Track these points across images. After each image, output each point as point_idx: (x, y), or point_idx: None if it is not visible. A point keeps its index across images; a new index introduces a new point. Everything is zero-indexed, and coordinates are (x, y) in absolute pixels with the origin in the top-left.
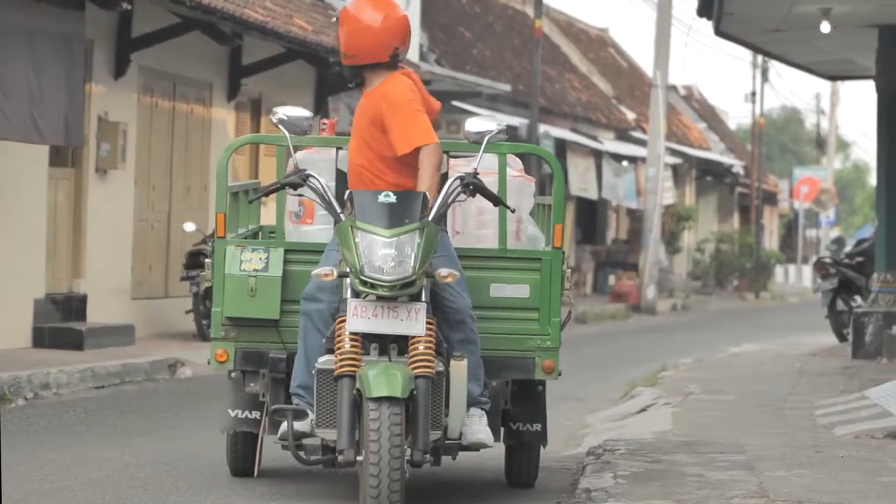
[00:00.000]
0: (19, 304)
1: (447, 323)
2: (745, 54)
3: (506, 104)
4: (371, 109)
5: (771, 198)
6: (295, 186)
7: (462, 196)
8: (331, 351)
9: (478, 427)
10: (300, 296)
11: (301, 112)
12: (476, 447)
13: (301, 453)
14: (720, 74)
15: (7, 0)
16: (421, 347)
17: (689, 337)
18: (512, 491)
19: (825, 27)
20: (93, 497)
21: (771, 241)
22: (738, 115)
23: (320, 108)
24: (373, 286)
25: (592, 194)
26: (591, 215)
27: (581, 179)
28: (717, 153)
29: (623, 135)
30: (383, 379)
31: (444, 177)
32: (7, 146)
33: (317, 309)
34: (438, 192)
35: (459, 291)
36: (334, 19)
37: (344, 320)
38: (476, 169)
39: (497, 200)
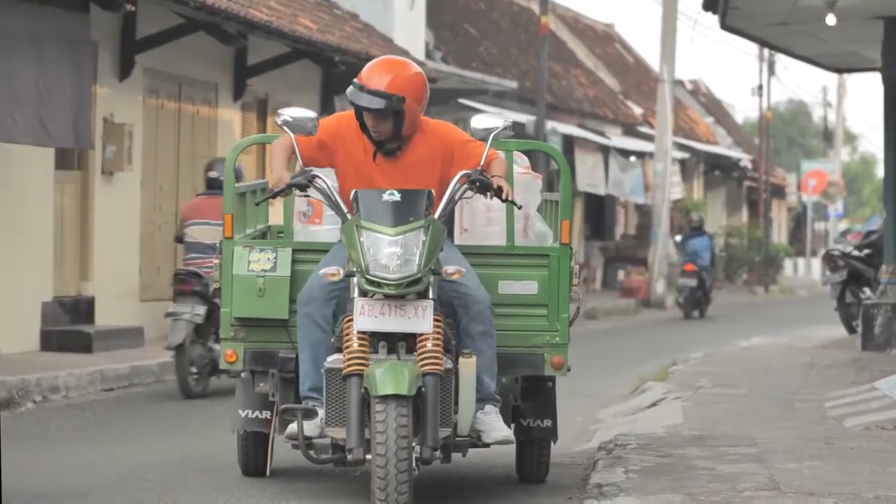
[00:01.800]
0: (27, 307)
1: (468, 315)
2: (752, 48)
3: (512, 101)
4: (420, 159)
5: (779, 191)
6: (301, 188)
7: (469, 193)
8: (339, 350)
9: (498, 424)
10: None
11: (306, 113)
12: (499, 444)
13: (311, 452)
14: (727, 68)
15: (12, 4)
16: (429, 345)
17: (698, 331)
18: (523, 487)
19: (831, 20)
20: (104, 500)
21: (779, 234)
22: (745, 109)
23: (326, 107)
24: (379, 285)
25: (601, 190)
26: (599, 211)
27: (590, 175)
28: (724, 147)
29: (630, 130)
30: (390, 377)
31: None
32: (13, 150)
33: (317, 307)
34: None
35: (477, 284)
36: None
37: (351, 319)
38: (483, 166)
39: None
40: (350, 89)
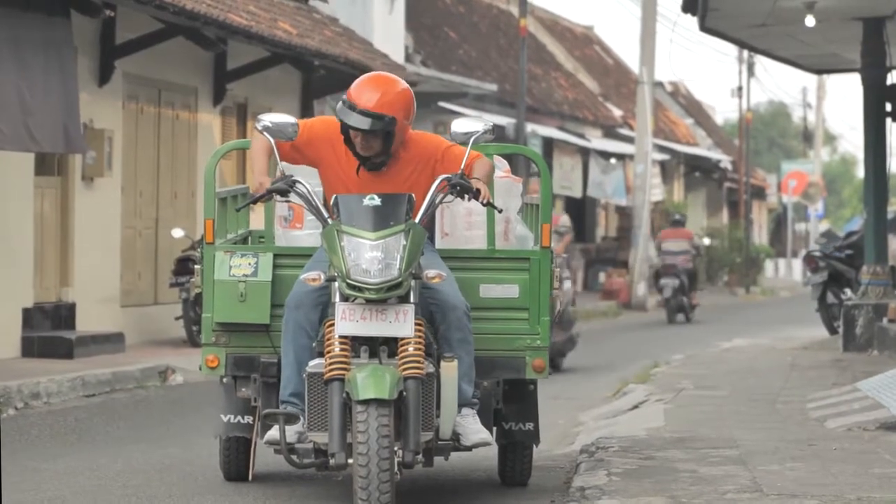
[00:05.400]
0: (8, 313)
1: (445, 322)
2: (731, 49)
3: (492, 104)
4: (406, 177)
5: (759, 192)
6: (282, 193)
7: (449, 197)
8: (321, 355)
9: (476, 427)
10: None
11: (286, 118)
12: (478, 447)
13: (293, 457)
14: (706, 70)
15: None
16: (410, 349)
17: (679, 333)
18: (506, 490)
19: (810, 21)
20: None
21: (760, 235)
22: (724, 111)
23: (306, 112)
24: (360, 289)
25: (576, 192)
26: (580, 213)
27: (565, 178)
28: (704, 149)
29: (610, 132)
30: (371, 381)
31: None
32: None
33: (306, 313)
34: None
35: (455, 290)
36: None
37: (333, 324)
38: (463, 169)
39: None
40: (339, 107)
